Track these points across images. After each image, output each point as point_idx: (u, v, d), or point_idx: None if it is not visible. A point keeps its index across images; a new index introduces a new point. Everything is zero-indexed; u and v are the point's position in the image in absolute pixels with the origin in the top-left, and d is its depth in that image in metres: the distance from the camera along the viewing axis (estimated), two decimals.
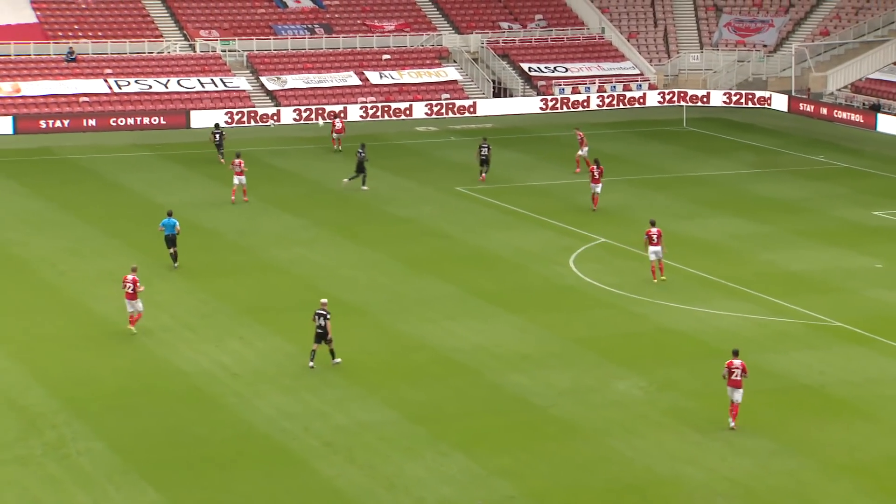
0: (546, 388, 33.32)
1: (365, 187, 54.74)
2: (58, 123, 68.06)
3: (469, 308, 39.67)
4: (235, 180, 52.06)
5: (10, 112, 68.31)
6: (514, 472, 28.42)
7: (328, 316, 33.97)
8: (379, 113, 73.39)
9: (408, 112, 73.78)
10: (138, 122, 69.37)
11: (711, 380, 33.84)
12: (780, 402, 32.64)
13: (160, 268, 43.16)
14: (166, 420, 30.98)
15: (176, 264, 42.98)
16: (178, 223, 42.83)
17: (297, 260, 44.64)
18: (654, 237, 42.18)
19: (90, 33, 75.03)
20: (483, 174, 56.82)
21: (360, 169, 55.09)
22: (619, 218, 51.18)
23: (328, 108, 71.70)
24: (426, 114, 74.01)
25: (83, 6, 76.96)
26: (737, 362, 30.67)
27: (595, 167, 51.68)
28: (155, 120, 69.69)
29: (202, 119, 69.92)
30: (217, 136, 60.21)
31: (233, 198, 52.08)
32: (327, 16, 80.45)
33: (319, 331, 34.01)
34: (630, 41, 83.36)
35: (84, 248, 45.58)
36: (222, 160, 59.43)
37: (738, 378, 30.52)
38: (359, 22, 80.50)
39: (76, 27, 75.31)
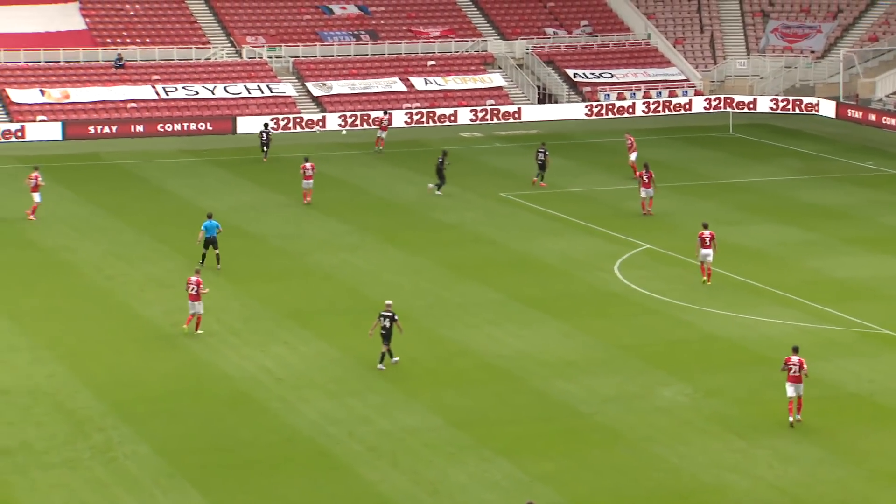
0: (591, 394, 33.22)
1: (439, 192, 54.90)
2: (106, 129, 68.64)
3: (513, 314, 39.63)
4: (304, 184, 53.16)
5: (60, 118, 68.97)
6: (558, 478, 28.34)
7: (395, 317, 34.41)
8: (424, 119, 73.50)
9: (452, 118, 73.82)
10: (185, 128, 69.85)
11: (757, 387, 33.66)
12: (827, 410, 32.36)
13: (206, 272, 43.36)
14: (211, 424, 31.14)
15: (219, 266, 43.35)
16: (219, 225, 43.43)
17: (341, 265, 44.77)
18: (707, 240, 42.34)
19: (138, 40, 75.65)
20: (540, 180, 56.99)
21: (440, 176, 55.08)
22: (664, 224, 50.97)
23: (373, 114, 71.86)
24: (471, 120, 74.02)
25: (132, 13, 77.62)
26: (794, 359, 31.22)
27: (644, 172, 51.68)
28: (201, 126, 70.15)
29: (248, 125, 70.30)
30: (264, 136, 61.95)
31: (306, 200, 53.18)
32: (373, 22, 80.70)
33: (383, 332, 34.46)
34: (676, 47, 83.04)
35: (131, 253, 45.93)
36: (265, 159, 61.26)
37: (797, 374, 31.00)
38: (404, 28, 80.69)
39: (125, 34, 75.95)
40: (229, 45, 77.23)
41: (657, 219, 51.82)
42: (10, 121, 68.46)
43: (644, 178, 51.60)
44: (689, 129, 73.07)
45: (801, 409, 31.32)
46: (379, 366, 34.59)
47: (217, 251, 43.43)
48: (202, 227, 43.35)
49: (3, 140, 66.78)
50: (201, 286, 36.99)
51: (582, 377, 34.41)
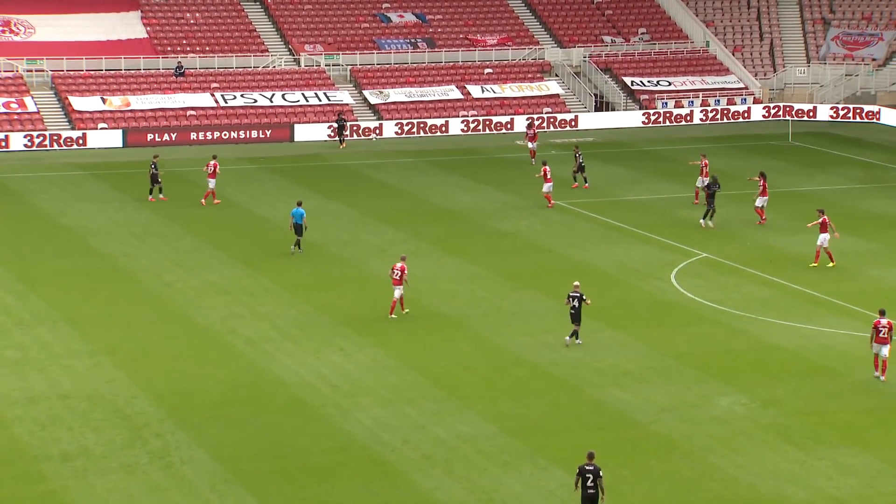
0: (647, 403, 33.05)
1: (703, 221, 51.05)
2: (165, 137, 69.31)
3: (569, 323, 39.48)
4: (209, 183, 55.05)
5: (120, 125, 69.71)
6: (614, 488, 28.19)
7: (583, 297, 36.53)
8: (480, 127, 73.53)
9: (509, 126, 73.81)
10: (243, 136, 70.36)
11: (815, 397, 33.35)
12: (887, 422, 31.98)
13: (263, 280, 43.72)
14: (267, 431, 31.31)
15: (300, 250, 46.31)
16: (305, 213, 46.31)
17: None
18: (827, 224, 44.65)
19: (198, 48, 76.33)
20: (585, 183, 57.01)
21: (710, 204, 50.71)
22: (721, 233, 50.62)
23: (430, 122, 71.97)
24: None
25: (192, 22, 78.35)
26: (883, 321, 33.79)
27: (761, 179, 51.72)
28: (259, 133, 70.63)
29: (306, 133, 70.70)
30: (341, 124, 66.62)
31: (205, 202, 54.46)
32: (430, 30, 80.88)
33: (572, 311, 36.73)
34: (735, 55, 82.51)
35: (189, 260, 46.29)
36: (342, 146, 66.44)
37: (885, 336, 33.57)
38: (461, 36, 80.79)
39: (184, 42, 76.67)
40: (287, 53, 77.71)
41: (714, 228, 51.46)
42: (72, 128, 69.30)
43: (760, 185, 51.56)
44: (747, 137, 72.55)
45: (886, 371, 33.95)
46: (566, 339, 37.03)
47: (299, 237, 46.20)
48: (291, 213, 46.43)
49: (64, 147, 67.61)
50: (405, 272, 39.28)
51: (638, 386, 34.24)
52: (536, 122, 67.15)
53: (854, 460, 29.65)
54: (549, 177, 54.28)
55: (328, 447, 30.43)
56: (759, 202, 51.79)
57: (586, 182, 58.03)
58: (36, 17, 76.04)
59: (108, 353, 36.52)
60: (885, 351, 33.64)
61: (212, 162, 55.11)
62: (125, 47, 75.20)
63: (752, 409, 32.80)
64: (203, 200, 54.70)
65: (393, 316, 39.48)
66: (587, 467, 26.46)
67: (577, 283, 37.58)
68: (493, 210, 54.57)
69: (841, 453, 29.97)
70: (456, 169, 63.03)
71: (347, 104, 73.68)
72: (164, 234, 50.08)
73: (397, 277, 39.35)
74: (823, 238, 45.36)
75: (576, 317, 36.83)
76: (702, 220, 50.87)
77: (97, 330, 38.64)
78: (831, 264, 45.42)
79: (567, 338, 37.13)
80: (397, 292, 39.49)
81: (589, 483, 26.37)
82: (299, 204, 46.85)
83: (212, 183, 54.62)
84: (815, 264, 45.32)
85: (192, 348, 37.22)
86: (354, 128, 71.24)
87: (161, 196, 55.16)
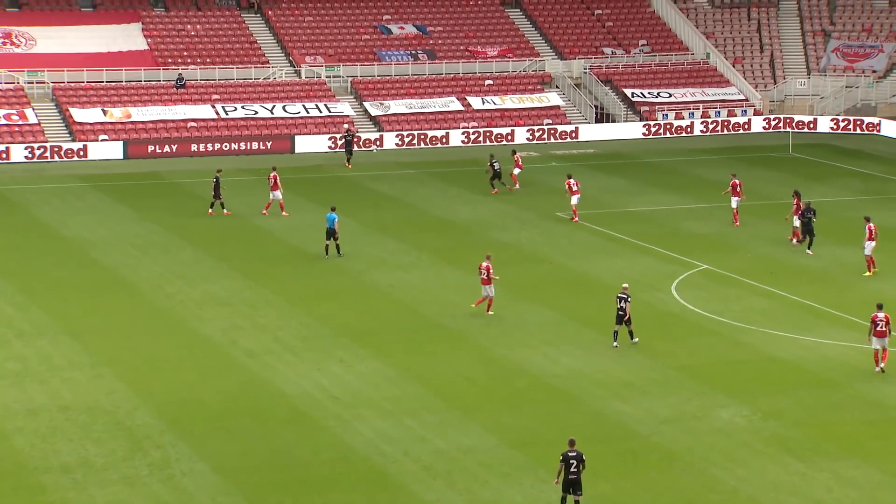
0: (648, 415, 33.03)
1: (809, 251, 49.09)
2: (166, 148, 69.37)
3: (570, 334, 39.51)
4: None
5: (121, 137, 69.77)
6: (615, 499, 28.17)
7: (629, 299, 37.50)
8: (480, 138, 73.60)
9: (509, 137, 73.88)
10: (244, 148, 70.42)
11: (816, 409, 33.31)
12: (888, 433, 31.96)
13: (264, 291, 43.73)
14: (268, 442, 31.29)
15: (339, 254, 47.59)
16: (337, 218, 47.35)
17: (397, 284, 44.87)
18: (872, 232, 45.42)
19: (199, 60, 76.43)
20: (497, 187, 58.32)
21: (809, 232, 49.12)
22: (722, 245, 50.64)
23: (430, 133, 72.02)
24: (528, 139, 74.05)
25: (193, 33, 78.46)
26: (881, 315, 35.15)
27: (798, 199, 50.21)
28: (260, 145, 70.70)
29: (306, 144, 70.77)
30: (348, 141, 66.05)
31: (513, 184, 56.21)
32: (430, 42, 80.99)
33: (620, 313, 37.48)
34: (735, 66, 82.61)
35: (190, 272, 46.31)
36: (348, 165, 65.30)
37: (883, 329, 34.98)
38: (462, 48, 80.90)
39: (185, 54, 76.77)
40: (288, 64, 77.82)
41: (715, 239, 51.49)
42: (73, 140, 69.37)
43: (796, 205, 50.08)
44: (747, 148, 72.60)
45: (886, 360, 35.23)
46: (614, 343, 37.73)
47: (331, 241, 47.44)
48: (326, 217, 47.45)
49: (65, 159, 67.67)
50: (491, 271, 40.40)
51: (639, 398, 34.22)
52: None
53: (855, 472, 29.62)
54: (574, 189, 54.36)
55: (329, 459, 30.42)
56: (797, 222, 49.91)
57: (505, 184, 59.35)
58: (37, 29, 76.15)
59: (108, 365, 36.52)
60: (881, 344, 35.13)
61: (272, 174, 54.92)
62: (126, 59, 75.30)
63: (752, 420, 32.78)
64: (265, 211, 54.54)
65: (474, 306, 41.13)
66: (570, 454, 27.18)
67: (625, 284, 38.62)
68: (493, 221, 54.59)
69: (842, 465, 29.94)
70: (456, 180, 63.07)
71: (348, 115, 73.72)
72: (165, 245, 50.09)
73: (485, 277, 40.66)
74: (869, 246, 45.69)
75: (623, 318, 37.69)
76: (808, 250, 48.62)
77: (98, 341, 38.64)
78: (868, 273, 45.73)
79: (614, 343, 37.85)
80: (484, 291, 40.85)
81: (572, 469, 27.10)
82: (333, 209, 47.68)
83: (278, 194, 54.37)
84: (869, 273, 45.72)
85: (192, 360, 37.21)
86: (355, 139, 71.16)
87: (223, 210, 54.61)
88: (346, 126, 69.91)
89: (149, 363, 36.85)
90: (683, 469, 29.86)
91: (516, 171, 60.23)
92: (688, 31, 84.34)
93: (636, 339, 38.05)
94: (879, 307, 35.95)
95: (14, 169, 65.52)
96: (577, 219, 53.97)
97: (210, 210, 54.89)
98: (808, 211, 49.50)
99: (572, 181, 54.77)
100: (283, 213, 54.68)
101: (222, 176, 55.54)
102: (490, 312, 40.94)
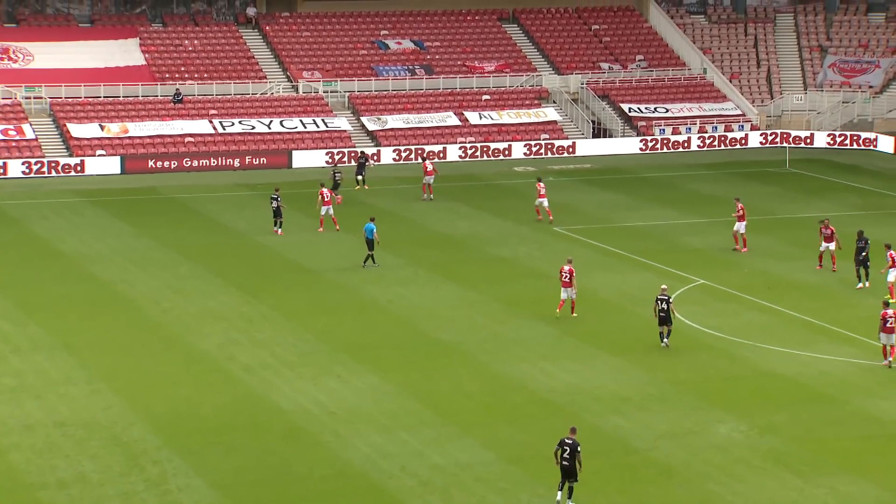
0: (645, 430, 33.00)
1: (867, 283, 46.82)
2: (164, 163, 69.39)
3: (567, 349, 39.49)
4: None
5: (119, 152, 69.79)
6: None
7: (670, 300, 38.51)
8: (478, 153, 73.66)
9: (507, 152, 73.94)
10: (241, 163, 70.45)
11: (814, 424, 33.27)
12: (886, 449, 31.93)
13: (261, 306, 43.70)
14: (265, 457, 31.24)
15: (375, 264, 48.10)
16: (375, 229, 48.15)
17: (394, 299, 44.85)
18: (894, 260, 44.53)
19: (196, 75, 76.50)
20: (279, 227, 54.32)
21: (864, 264, 46.59)
22: (718, 260, 50.66)
23: (427, 148, 72.10)
24: (525, 154, 74.11)
25: (190, 49, 78.55)
26: (890, 311, 36.63)
27: (826, 227, 48.88)
28: (257, 160, 70.74)
29: (304, 159, 70.83)
30: (359, 164, 64.90)
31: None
32: (428, 57, 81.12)
33: (662, 314, 38.43)
34: (732, 82, 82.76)
35: (187, 287, 46.28)
36: (358, 186, 63.59)
37: (892, 325, 36.49)
38: (459, 63, 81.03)
39: (183, 69, 76.85)
40: (285, 79, 77.91)
41: (712, 254, 51.51)
42: (70, 155, 69.39)
43: (825, 232, 48.52)
44: (744, 163, 72.69)
45: (895, 355, 36.98)
46: (662, 343, 38.89)
47: (371, 252, 48.09)
48: (364, 228, 48.23)
49: (63, 174, 67.69)
50: (573, 274, 41.35)
51: (636, 413, 34.19)
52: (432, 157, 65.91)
53: (853, 488, 29.58)
54: (542, 193, 56.47)
55: (326, 474, 30.36)
56: (823, 247, 48.74)
57: (365, 184, 61.79)
58: (34, 44, 76.23)
59: (105, 380, 36.47)
60: (893, 339, 36.77)
61: (325, 190, 54.82)
62: (123, 74, 75.36)
63: (750, 436, 32.75)
64: (321, 228, 54.32)
65: (558, 312, 41.81)
66: (566, 440, 28.14)
67: (664, 286, 39.52)
68: (490, 236, 54.60)
69: (839, 480, 29.90)
70: (453, 195, 63.10)
71: (346, 130, 73.81)
72: (162, 260, 50.06)
73: (566, 280, 41.47)
74: (893, 273, 44.08)
75: (665, 319, 38.54)
76: (865, 283, 46.31)
77: (95, 357, 38.59)
78: (893, 299, 43.31)
79: (662, 342, 38.93)
80: (564, 294, 41.67)
81: (565, 455, 27.93)
82: (372, 220, 48.54)
83: (330, 210, 54.31)
84: (894, 299, 43.23)
85: (189, 375, 37.16)
86: (352, 154, 71.24)
87: (279, 230, 54.07)
88: (360, 151, 69.13)
89: (145, 378, 36.80)
90: (681, 484, 29.82)
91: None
92: (685, 47, 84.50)
93: (666, 342, 38.87)
94: (886, 304, 37.39)
95: (11, 184, 65.52)
96: (551, 218, 55.65)
97: (278, 230, 54.14)
98: (860, 240, 46.88)
99: (541, 184, 56.03)
100: (336, 227, 54.30)
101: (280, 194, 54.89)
102: (574, 314, 41.95)
